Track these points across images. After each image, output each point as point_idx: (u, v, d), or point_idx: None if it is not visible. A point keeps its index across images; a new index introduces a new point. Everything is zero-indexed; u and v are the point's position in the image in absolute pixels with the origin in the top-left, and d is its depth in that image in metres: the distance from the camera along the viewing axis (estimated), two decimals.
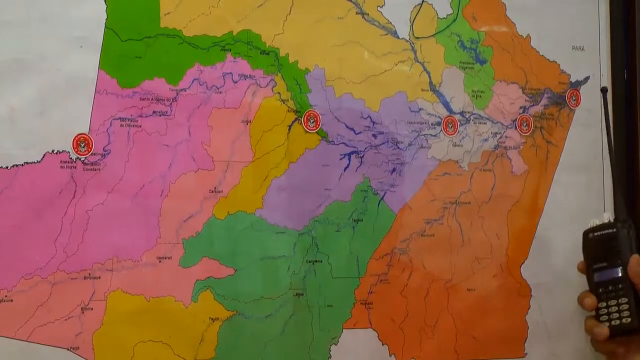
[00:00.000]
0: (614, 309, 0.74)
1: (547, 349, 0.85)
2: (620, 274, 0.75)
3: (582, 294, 0.78)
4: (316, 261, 0.75)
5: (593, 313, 0.76)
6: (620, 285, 0.75)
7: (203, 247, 0.70)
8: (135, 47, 0.68)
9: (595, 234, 0.77)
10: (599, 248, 0.77)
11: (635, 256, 0.75)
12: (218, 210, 0.71)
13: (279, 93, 0.74)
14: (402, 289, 0.78)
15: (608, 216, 0.78)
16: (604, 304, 0.75)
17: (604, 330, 0.74)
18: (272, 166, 0.73)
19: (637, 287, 0.74)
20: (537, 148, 0.86)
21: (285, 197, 0.74)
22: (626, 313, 0.74)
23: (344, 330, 0.76)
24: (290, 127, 0.74)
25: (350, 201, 0.76)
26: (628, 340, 0.75)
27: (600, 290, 0.76)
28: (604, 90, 0.82)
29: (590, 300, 0.76)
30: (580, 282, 0.82)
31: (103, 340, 0.66)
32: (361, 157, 0.77)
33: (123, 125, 0.68)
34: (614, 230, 0.76)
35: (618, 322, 0.74)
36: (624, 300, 0.74)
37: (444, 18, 0.82)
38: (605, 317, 0.75)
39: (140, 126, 0.68)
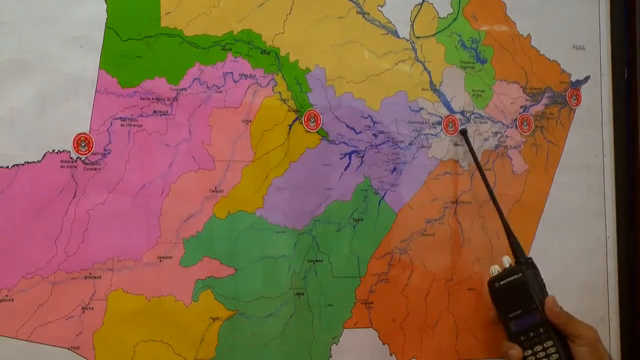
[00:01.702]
0: (542, 354, 0.73)
1: None
2: (538, 318, 0.73)
3: (504, 345, 0.75)
4: (317, 261, 0.75)
5: None
6: (541, 329, 0.73)
7: (203, 247, 0.70)
8: (136, 46, 0.68)
9: (502, 282, 0.74)
10: (509, 296, 0.74)
11: (549, 298, 0.74)
12: (218, 209, 0.71)
13: (279, 92, 0.74)
14: (402, 289, 0.78)
15: (507, 260, 0.76)
16: (530, 352, 0.73)
17: None
18: (272, 166, 0.73)
19: (558, 328, 0.73)
20: (538, 147, 0.85)
21: (285, 197, 0.74)
22: (555, 356, 0.72)
23: (344, 329, 0.76)
24: (290, 126, 0.74)
25: (351, 201, 0.76)
26: None
27: (522, 338, 0.74)
28: (463, 132, 0.81)
29: (516, 351, 0.73)
30: (580, 282, 0.82)
31: (104, 340, 0.66)
32: (362, 157, 0.77)
33: (124, 125, 0.68)
34: (520, 275, 0.74)
35: None
36: (550, 343, 0.73)
37: (444, 18, 0.82)
38: None
39: (140, 126, 0.68)
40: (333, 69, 0.76)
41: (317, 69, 0.75)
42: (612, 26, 0.90)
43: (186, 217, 0.70)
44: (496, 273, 0.75)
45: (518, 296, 0.74)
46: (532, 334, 0.73)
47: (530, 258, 0.76)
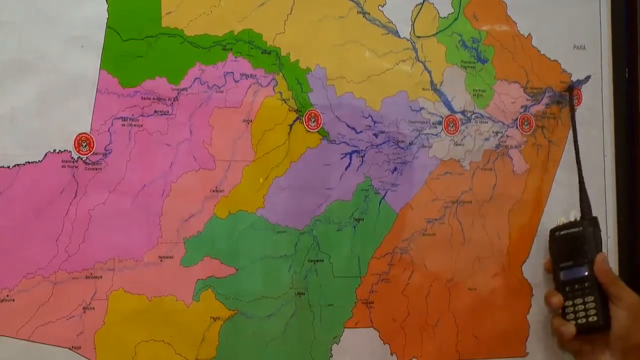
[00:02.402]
0: (580, 307, 0.75)
1: (548, 348, 0.85)
2: (586, 273, 0.76)
3: (549, 292, 0.79)
4: (317, 260, 0.75)
5: (559, 312, 0.77)
6: (586, 284, 0.75)
7: (204, 247, 0.70)
8: (137, 46, 0.68)
9: (562, 232, 0.79)
10: (565, 246, 0.78)
11: (601, 254, 0.76)
12: (219, 209, 0.71)
13: (280, 92, 0.74)
14: (403, 288, 0.78)
15: (574, 215, 0.79)
16: (570, 303, 0.76)
17: (570, 328, 0.75)
18: (273, 165, 0.73)
19: (603, 286, 0.75)
20: (539, 147, 0.85)
21: (286, 197, 0.74)
22: (592, 312, 0.74)
23: (345, 329, 0.76)
24: (291, 126, 0.74)
25: (352, 200, 0.76)
26: (594, 338, 0.76)
27: (567, 288, 0.77)
28: (570, 89, 0.84)
29: (557, 299, 0.77)
30: None
31: (105, 340, 0.66)
32: (362, 157, 0.77)
33: (124, 125, 0.68)
34: (581, 229, 0.78)
35: (584, 320, 0.75)
36: (590, 298, 0.75)
37: (445, 17, 0.81)
38: (571, 316, 0.76)
39: (141, 126, 0.68)
40: (334, 69, 0.76)
41: (317, 69, 0.75)
42: (613, 26, 0.90)
43: (187, 216, 0.70)
44: (561, 224, 0.79)
45: (573, 248, 0.77)
46: (576, 287, 0.76)
47: (596, 217, 0.79)
